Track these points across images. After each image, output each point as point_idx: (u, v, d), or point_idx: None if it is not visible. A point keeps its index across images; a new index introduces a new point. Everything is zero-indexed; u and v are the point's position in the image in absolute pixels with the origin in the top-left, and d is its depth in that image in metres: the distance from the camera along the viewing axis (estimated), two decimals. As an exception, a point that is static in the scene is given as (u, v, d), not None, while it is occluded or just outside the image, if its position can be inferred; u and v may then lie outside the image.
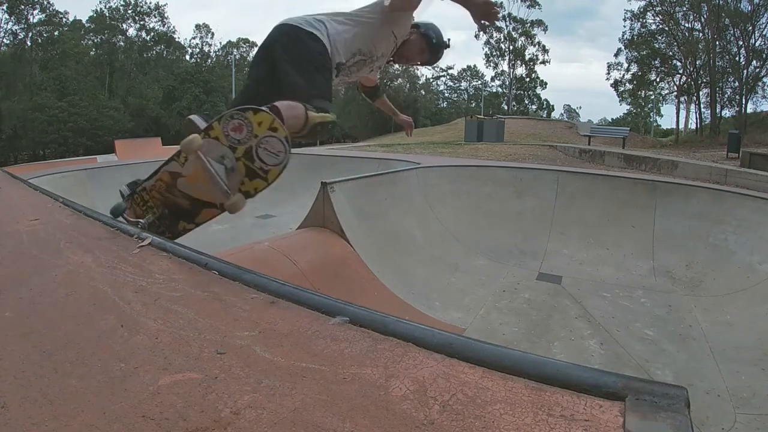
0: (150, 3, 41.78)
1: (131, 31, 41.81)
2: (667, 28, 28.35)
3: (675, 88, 30.76)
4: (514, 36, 43.10)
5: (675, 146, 22.92)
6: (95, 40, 40.64)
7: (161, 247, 1.46)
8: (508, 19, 42.39)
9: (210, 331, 0.94)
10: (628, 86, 33.08)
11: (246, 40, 48.87)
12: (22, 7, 34.14)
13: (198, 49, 46.58)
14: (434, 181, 4.81)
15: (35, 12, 35.18)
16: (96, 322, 1.01)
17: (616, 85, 33.35)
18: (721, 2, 24.74)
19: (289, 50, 2.03)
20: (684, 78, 29.41)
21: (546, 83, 48.65)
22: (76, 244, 1.56)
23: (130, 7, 41.10)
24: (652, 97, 35.75)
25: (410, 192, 4.42)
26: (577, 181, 4.88)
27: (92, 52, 40.21)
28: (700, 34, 26.89)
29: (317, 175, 4.34)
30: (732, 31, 25.11)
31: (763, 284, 3.37)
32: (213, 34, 47.01)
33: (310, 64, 2.02)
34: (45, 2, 35.36)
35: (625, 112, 49.86)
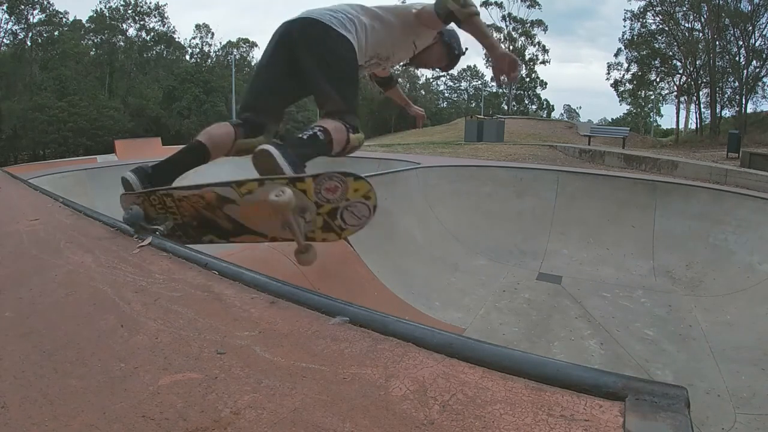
0: (150, 3, 41.82)
1: (131, 31, 41.85)
2: (667, 28, 28.34)
3: (675, 88, 30.76)
4: (514, 36, 43.15)
5: (675, 146, 22.92)
6: (95, 40, 40.63)
7: (161, 247, 1.46)
8: (508, 19, 42.47)
9: (210, 331, 0.94)
10: (628, 86, 33.09)
11: (246, 40, 48.88)
12: (22, 7, 34.14)
13: (198, 49, 46.60)
14: (434, 181, 4.81)
15: (35, 12, 35.22)
16: (96, 322, 1.01)
17: (616, 85, 33.37)
18: (721, 2, 24.73)
19: (322, 55, 1.85)
20: (684, 78, 29.41)
21: (546, 83, 48.74)
22: (76, 244, 1.56)
23: (130, 7, 41.11)
24: (652, 97, 35.75)
25: (410, 192, 4.42)
26: (577, 181, 4.88)
27: (92, 52, 40.20)
28: (700, 34, 26.89)
29: (317, 175, 4.33)
30: (732, 31, 25.11)
31: (763, 284, 3.37)
32: (213, 34, 47.06)
33: (345, 75, 1.88)
34: (45, 2, 35.39)
35: (625, 112, 49.87)
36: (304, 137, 1.70)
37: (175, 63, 44.87)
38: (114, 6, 40.42)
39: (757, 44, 24.72)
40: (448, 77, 55.30)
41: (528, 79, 46.93)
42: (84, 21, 40.04)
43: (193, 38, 46.40)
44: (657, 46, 29.32)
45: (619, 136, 19.02)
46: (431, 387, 0.73)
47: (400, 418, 0.66)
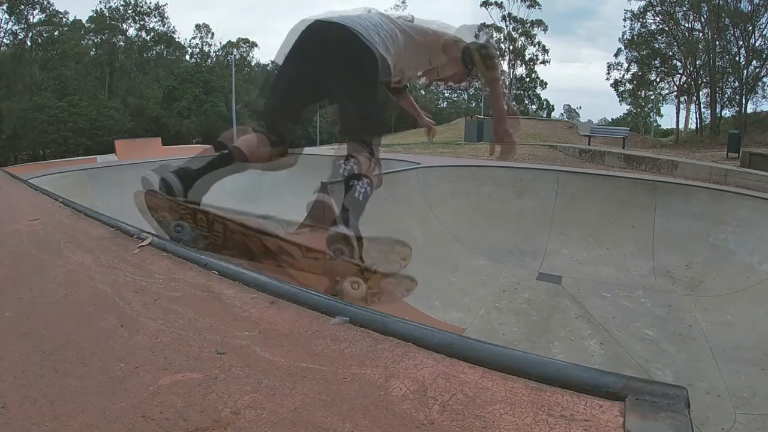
0: (150, 3, 41.77)
1: (131, 31, 41.79)
2: (667, 28, 28.33)
3: (675, 88, 30.74)
4: (514, 36, 43.09)
5: (675, 146, 22.91)
6: (95, 40, 40.60)
7: (161, 247, 1.46)
8: (508, 19, 42.42)
9: (210, 331, 0.94)
10: (628, 86, 33.06)
11: (246, 40, 48.81)
12: (22, 7, 34.12)
13: (198, 49, 46.53)
14: (434, 181, 4.81)
15: (35, 12, 35.19)
16: (96, 322, 1.01)
17: (616, 85, 33.34)
18: (721, 2, 24.72)
19: (352, 75, 1.79)
20: (684, 78, 29.39)
21: (546, 83, 48.67)
22: (76, 244, 1.56)
23: (130, 7, 41.07)
24: (652, 97, 35.73)
25: (410, 192, 4.42)
26: (577, 181, 4.88)
27: (92, 52, 40.17)
28: (700, 34, 26.88)
29: (317, 175, 4.33)
30: (732, 31, 25.10)
31: (763, 284, 3.37)
32: (213, 34, 46.82)
33: (367, 90, 1.81)
34: (45, 2, 35.37)
35: (625, 112, 49.81)
36: (359, 197, 1.73)
37: (175, 63, 44.84)
38: (114, 6, 40.41)
39: (757, 44, 24.72)
40: (448, 77, 55.26)
41: (528, 79, 46.91)
42: (84, 21, 40.04)
43: (193, 38, 46.36)
44: (657, 46, 29.30)
45: (619, 136, 19.02)
46: (431, 387, 0.73)
47: (400, 418, 0.66)
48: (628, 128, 24.23)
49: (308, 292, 1.11)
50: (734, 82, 26.08)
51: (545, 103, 51.96)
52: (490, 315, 3.20)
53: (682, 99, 31.04)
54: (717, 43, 25.56)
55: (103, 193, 5.84)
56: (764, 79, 25.35)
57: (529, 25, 42.79)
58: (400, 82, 2.34)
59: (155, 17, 42.28)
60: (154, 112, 38.70)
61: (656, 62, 29.98)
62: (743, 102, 25.23)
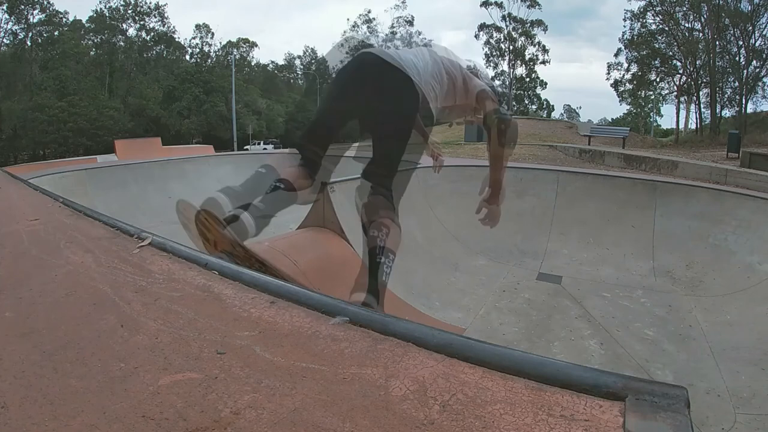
0: (150, 3, 41.77)
1: (131, 31, 41.80)
2: (667, 28, 28.34)
3: (675, 88, 30.75)
4: (514, 36, 43.08)
5: (675, 146, 22.92)
6: (95, 40, 40.60)
7: (161, 247, 1.46)
8: (508, 19, 42.42)
9: (210, 331, 0.94)
10: (628, 86, 33.07)
11: (246, 40, 48.85)
12: (22, 7, 34.13)
13: (198, 49, 46.54)
14: (434, 181, 4.81)
15: (35, 12, 35.20)
16: (96, 322, 1.01)
17: (616, 85, 33.36)
18: (721, 2, 24.73)
19: (391, 111, 1.84)
20: (684, 78, 29.40)
21: (546, 83, 48.64)
22: (76, 244, 1.56)
23: (130, 7, 41.06)
24: (652, 97, 35.75)
25: (410, 192, 4.41)
26: (577, 181, 4.88)
27: (92, 52, 40.17)
28: (700, 34, 26.89)
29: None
30: (732, 31, 25.11)
31: (763, 284, 3.37)
32: (213, 34, 46.85)
33: (403, 135, 1.90)
34: (45, 2, 35.38)
35: (625, 112, 49.85)
36: (386, 279, 1.79)
37: (175, 63, 44.84)
38: (114, 6, 40.41)
39: (757, 44, 24.73)
40: (448, 77, 55.25)
41: (528, 79, 46.90)
42: (84, 21, 40.05)
43: (193, 38, 46.38)
44: (657, 46, 29.32)
45: (619, 136, 19.03)
46: (431, 387, 0.73)
47: (400, 418, 0.66)
48: (628, 128, 24.24)
49: (308, 292, 1.11)
50: (734, 82, 26.11)
51: (545, 103, 51.96)
52: (490, 315, 3.20)
53: (682, 99, 31.06)
54: (717, 43, 25.57)
55: (103, 193, 5.85)
56: (764, 79, 25.37)
57: (529, 25, 42.81)
58: (435, 124, 2.41)
59: (155, 17, 42.31)
60: (154, 112, 38.70)
61: (656, 62, 30.00)
62: (743, 102, 25.25)
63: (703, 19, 26.23)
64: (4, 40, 34.43)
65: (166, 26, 43.17)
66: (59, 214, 2.10)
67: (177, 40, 44.77)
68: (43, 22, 35.83)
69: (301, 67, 56.56)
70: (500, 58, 44.65)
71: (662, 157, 12.51)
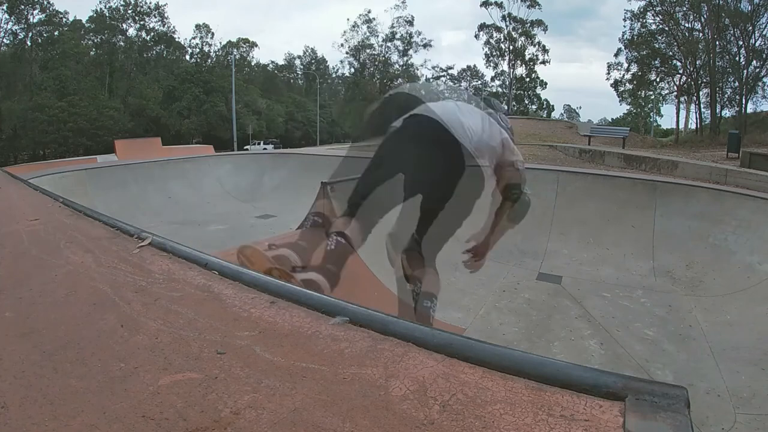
0: (150, 3, 41.74)
1: (131, 31, 41.75)
2: (667, 28, 28.32)
3: (675, 88, 30.72)
4: (514, 36, 43.05)
5: (675, 146, 22.90)
6: (95, 40, 40.57)
7: (161, 247, 1.46)
8: (508, 19, 42.40)
9: (210, 331, 0.94)
10: (628, 86, 33.04)
11: (246, 40, 48.81)
12: (22, 7, 34.11)
13: (198, 49, 46.49)
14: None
15: (35, 12, 35.16)
16: (96, 322, 1.01)
17: (616, 85, 33.33)
18: (721, 2, 24.71)
19: (448, 191, 1.93)
20: (684, 78, 29.38)
21: (546, 83, 48.59)
22: (76, 244, 1.56)
23: (130, 7, 41.03)
24: (652, 97, 35.74)
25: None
26: (577, 181, 4.88)
27: (92, 52, 40.14)
28: (700, 34, 26.87)
29: (317, 175, 4.33)
30: (732, 31, 25.09)
31: (763, 284, 3.37)
32: (213, 34, 46.77)
33: (445, 203, 1.99)
34: (45, 2, 35.36)
35: (625, 112, 49.79)
36: (432, 312, 1.97)
37: (175, 63, 44.81)
38: (114, 6, 40.38)
39: (757, 44, 24.71)
40: (448, 77, 55.34)
41: (528, 79, 46.88)
42: (84, 21, 40.01)
43: (193, 38, 46.32)
44: (657, 46, 29.29)
45: (619, 136, 19.00)
46: (431, 387, 0.73)
47: (400, 418, 0.66)
48: (628, 128, 24.21)
49: (308, 292, 1.11)
50: (734, 82, 26.08)
51: (545, 103, 51.91)
52: (490, 315, 3.20)
53: (682, 99, 31.04)
54: (717, 43, 25.55)
55: (103, 193, 5.85)
56: (764, 79, 25.34)
57: (529, 25, 42.78)
58: None
59: (155, 17, 42.26)
60: (154, 112, 38.67)
61: (656, 62, 29.98)
62: (743, 102, 25.23)
63: (703, 19, 26.22)
64: (4, 40, 34.42)
65: (166, 26, 43.14)
66: (59, 214, 2.10)
67: (177, 40, 44.74)
68: (43, 22, 35.81)
69: (301, 67, 56.57)
70: (500, 58, 44.66)
71: (662, 157, 12.51)
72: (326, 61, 55.65)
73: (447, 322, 2.99)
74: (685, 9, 27.06)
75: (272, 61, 55.63)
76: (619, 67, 32.71)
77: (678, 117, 32.20)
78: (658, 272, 3.97)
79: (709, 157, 14.48)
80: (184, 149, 15.76)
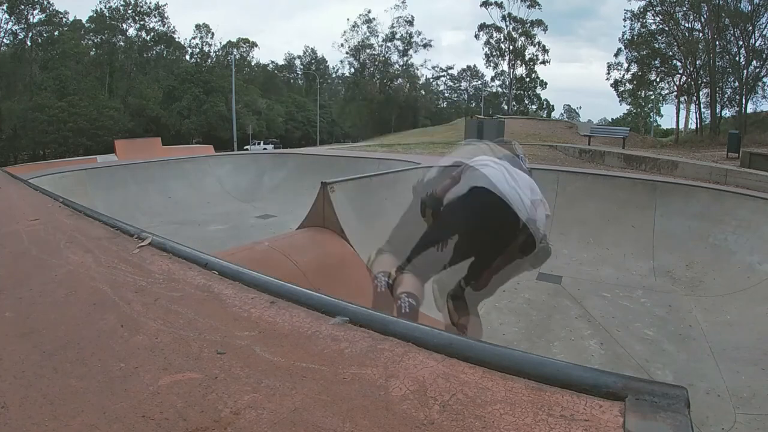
0: (150, 3, 41.75)
1: (131, 31, 41.76)
2: (667, 28, 28.31)
3: (675, 88, 30.71)
4: (514, 36, 43.06)
5: (675, 146, 22.89)
6: (95, 40, 40.58)
7: (161, 247, 1.46)
8: (508, 19, 42.39)
9: (210, 331, 0.94)
10: (628, 86, 33.02)
11: (246, 40, 48.82)
12: (22, 7, 34.11)
13: (198, 49, 46.50)
14: (434, 181, 4.81)
15: (35, 12, 35.16)
16: (96, 322, 1.01)
17: (616, 85, 33.31)
18: (721, 2, 24.71)
19: (501, 250, 2.02)
20: (684, 78, 29.37)
21: (546, 83, 48.58)
22: (76, 244, 1.56)
23: (130, 7, 41.04)
24: (652, 97, 35.74)
25: (410, 192, 4.41)
26: (577, 181, 4.88)
27: (92, 52, 40.14)
28: (700, 34, 26.86)
29: (317, 175, 4.34)
30: (732, 31, 25.08)
31: (763, 284, 3.37)
32: (213, 34, 46.78)
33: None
34: (45, 2, 35.36)
35: (625, 112, 49.79)
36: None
37: (175, 63, 44.81)
38: (114, 6, 40.39)
39: (757, 44, 24.69)
40: (448, 77, 55.33)
41: (528, 79, 46.88)
42: (84, 21, 40.02)
43: (193, 38, 46.33)
44: (657, 46, 29.28)
45: (619, 136, 19.00)
46: (431, 387, 0.73)
47: (400, 418, 0.66)
48: (628, 128, 24.21)
49: (308, 292, 1.11)
50: (734, 82, 26.07)
51: (545, 103, 51.93)
52: (490, 315, 3.20)
53: (682, 99, 31.02)
54: (717, 43, 25.54)
55: (103, 193, 5.85)
56: (764, 79, 25.33)
57: (529, 25, 42.79)
58: None
59: (155, 17, 42.27)
60: (154, 112, 38.68)
61: (656, 62, 29.96)
62: (743, 102, 25.22)
63: (703, 19, 26.21)
64: (4, 40, 34.42)
65: (166, 26, 43.15)
66: (59, 214, 2.10)
67: (177, 40, 44.75)
68: (43, 22, 35.81)
69: (301, 67, 56.58)
70: (500, 58, 44.65)
71: (662, 157, 12.50)
72: (326, 61, 55.74)
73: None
74: (685, 9, 27.06)
75: (272, 61, 55.68)
76: (619, 67, 32.69)
77: (678, 117, 32.19)
78: (658, 272, 3.97)
79: (709, 157, 14.48)
80: (184, 149, 15.75)
